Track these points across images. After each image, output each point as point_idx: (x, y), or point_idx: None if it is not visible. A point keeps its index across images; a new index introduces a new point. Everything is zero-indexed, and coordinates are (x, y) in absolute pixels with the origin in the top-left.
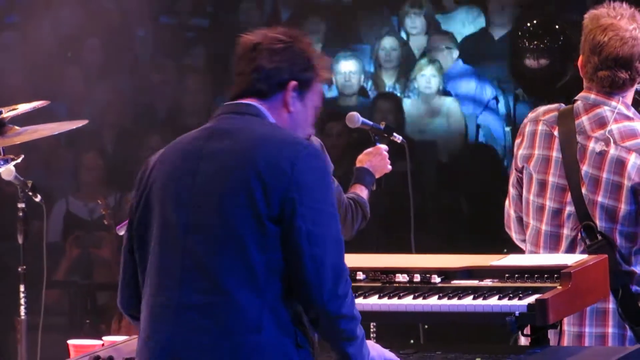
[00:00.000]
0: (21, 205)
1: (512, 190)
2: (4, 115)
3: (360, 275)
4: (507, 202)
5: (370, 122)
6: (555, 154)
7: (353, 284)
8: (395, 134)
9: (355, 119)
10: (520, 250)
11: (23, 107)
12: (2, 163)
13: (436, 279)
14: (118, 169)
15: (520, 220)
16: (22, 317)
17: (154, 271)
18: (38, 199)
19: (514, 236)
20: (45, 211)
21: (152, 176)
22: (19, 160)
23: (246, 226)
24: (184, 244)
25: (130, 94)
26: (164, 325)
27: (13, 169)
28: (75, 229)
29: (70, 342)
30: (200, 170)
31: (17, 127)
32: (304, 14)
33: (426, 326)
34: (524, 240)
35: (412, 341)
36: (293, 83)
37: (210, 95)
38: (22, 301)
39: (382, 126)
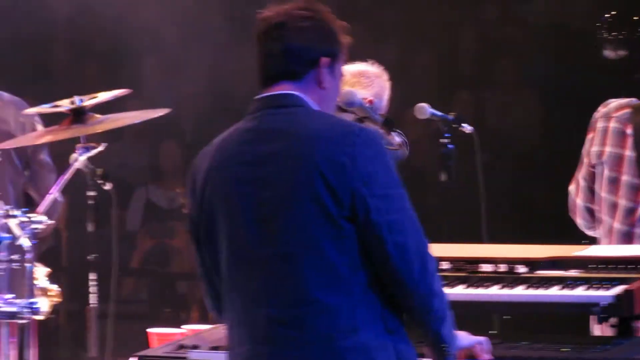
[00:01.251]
0: (91, 193)
1: (582, 182)
2: (85, 103)
3: (445, 265)
4: (572, 188)
5: (440, 113)
6: (629, 152)
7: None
8: (464, 124)
9: (425, 110)
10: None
11: (104, 96)
12: (83, 151)
13: (521, 269)
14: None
15: (588, 210)
16: (92, 306)
17: (236, 289)
18: (108, 187)
19: (580, 222)
20: (115, 199)
21: (208, 185)
22: (100, 148)
23: (320, 231)
24: (262, 259)
25: (208, 82)
26: (261, 345)
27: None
28: (154, 218)
29: (151, 330)
30: (258, 179)
31: (98, 115)
32: (382, 4)
33: (503, 317)
34: (589, 228)
35: (491, 332)
36: (325, 59)
37: None
38: (92, 289)
39: (451, 117)
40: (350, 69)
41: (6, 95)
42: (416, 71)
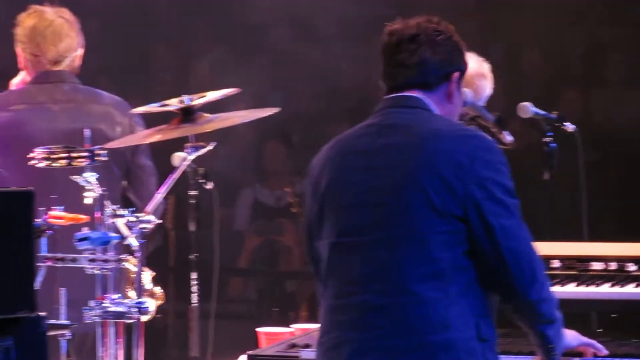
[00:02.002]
0: (192, 192)
1: None
2: (194, 102)
3: (555, 264)
4: None
5: (542, 112)
6: None
7: (549, 272)
8: (566, 123)
9: (527, 108)
10: None
11: (212, 95)
12: (192, 150)
13: (631, 267)
14: (306, 157)
15: None
16: (194, 305)
17: (334, 274)
18: (209, 186)
19: None
20: (218, 198)
21: (320, 175)
22: (210, 148)
23: (428, 224)
24: (364, 244)
25: (316, 81)
26: (349, 331)
27: (184, 155)
28: (262, 217)
29: (260, 329)
30: (372, 167)
31: (207, 115)
32: (489, 2)
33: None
34: None
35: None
36: (456, 74)
37: None
38: (194, 289)
39: (554, 115)
40: None
41: (106, 96)
42: (523, 69)
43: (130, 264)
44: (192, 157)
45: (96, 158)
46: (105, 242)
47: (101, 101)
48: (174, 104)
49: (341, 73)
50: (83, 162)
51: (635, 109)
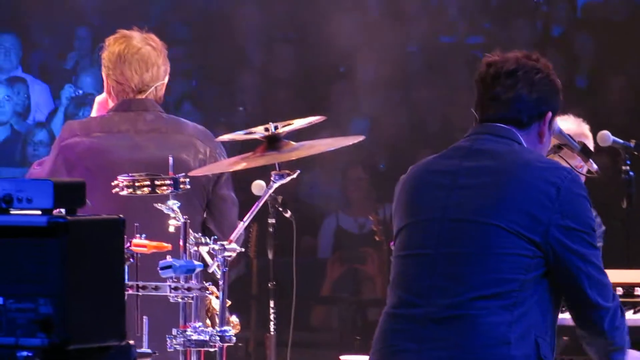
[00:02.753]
0: (271, 220)
1: None
2: (280, 130)
3: (619, 291)
4: None
5: (621, 141)
6: None
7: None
8: None
9: (607, 137)
10: None
11: (299, 123)
12: (277, 178)
13: None
14: (389, 184)
15: None
16: (272, 333)
17: (401, 284)
18: (288, 214)
19: None
20: (295, 227)
21: (404, 193)
22: (294, 176)
23: (504, 244)
24: (434, 257)
25: (401, 109)
26: (407, 342)
27: (263, 184)
28: (345, 245)
29: (343, 357)
30: (457, 186)
31: (292, 142)
32: (573, 31)
33: None
34: None
35: None
36: (549, 115)
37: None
38: (272, 317)
39: (632, 144)
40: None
41: (190, 125)
42: (608, 96)
43: (214, 292)
44: (278, 184)
45: (180, 186)
46: (189, 271)
47: (185, 131)
48: (259, 131)
49: (426, 101)
50: (167, 190)
51: None
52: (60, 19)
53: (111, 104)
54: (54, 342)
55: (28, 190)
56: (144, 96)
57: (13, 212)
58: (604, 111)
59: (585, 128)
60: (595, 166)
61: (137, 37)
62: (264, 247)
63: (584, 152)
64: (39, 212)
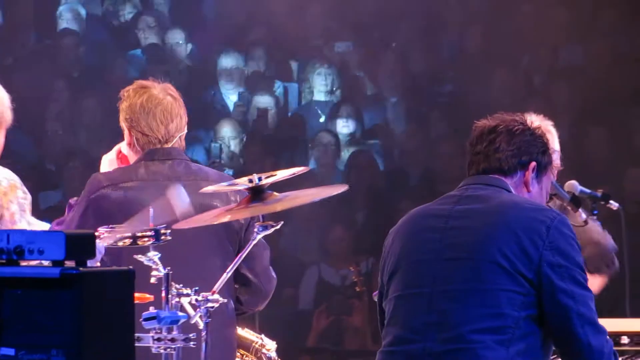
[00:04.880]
0: None
1: None
2: (263, 182)
3: (624, 340)
4: None
5: (588, 190)
6: None
7: (617, 348)
8: (611, 201)
9: (574, 186)
10: None
11: (282, 174)
12: (261, 229)
13: None
14: (370, 235)
15: None
16: None
17: (394, 322)
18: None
19: None
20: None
21: (395, 240)
22: (277, 227)
23: (498, 280)
24: (430, 295)
25: (382, 159)
26: None
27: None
28: (327, 296)
29: None
30: (449, 227)
31: (276, 194)
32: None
33: None
34: None
35: None
36: (533, 164)
37: (461, 161)
38: None
39: (599, 194)
40: None
41: (212, 173)
42: (587, 147)
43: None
44: (261, 236)
45: (162, 238)
46: (174, 322)
47: (210, 177)
48: (243, 183)
49: (404, 153)
50: (148, 242)
51: None
52: None
53: (131, 155)
54: None
55: (39, 242)
56: (169, 145)
57: (23, 263)
58: (584, 161)
59: (548, 124)
60: (582, 216)
61: (157, 87)
62: None
63: (573, 202)
64: (50, 264)
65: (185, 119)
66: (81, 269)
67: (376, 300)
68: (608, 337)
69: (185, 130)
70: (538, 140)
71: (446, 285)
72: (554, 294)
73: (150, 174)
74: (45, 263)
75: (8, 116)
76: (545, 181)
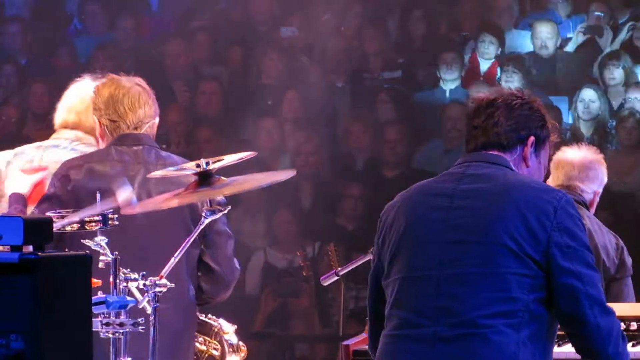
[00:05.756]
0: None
1: None
2: (211, 166)
3: (633, 326)
4: None
5: None
6: None
7: (628, 333)
8: None
9: None
10: None
11: (229, 158)
12: (209, 214)
13: None
14: (316, 220)
15: None
16: None
17: (401, 306)
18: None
19: None
20: None
21: (397, 217)
22: (225, 211)
23: (506, 264)
24: (438, 278)
25: (328, 145)
26: None
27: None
28: (273, 281)
29: None
30: (454, 207)
31: (224, 178)
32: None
33: None
34: None
35: None
36: (532, 138)
37: (407, 147)
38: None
39: None
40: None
41: (180, 160)
42: None
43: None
44: (209, 220)
45: (109, 222)
46: (122, 306)
47: (176, 164)
48: (191, 167)
49: (352, 138)
50: (95, 227)
51: None
52: None
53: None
54: None
55: None
56: (139, 132)
57: None
58: None
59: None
60: None
61: (125, 79)
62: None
63: None
64: (8, 249)
65: (154, 108)
66: (40, 253)
67: (326, 284)
68: (616, 318)
69: (157, 120)
70: (536, 114)
71: (454, 269)
72: (562, 275)
73: (118, 157)
74: (1, 248)
75: None
76: (543, 155)
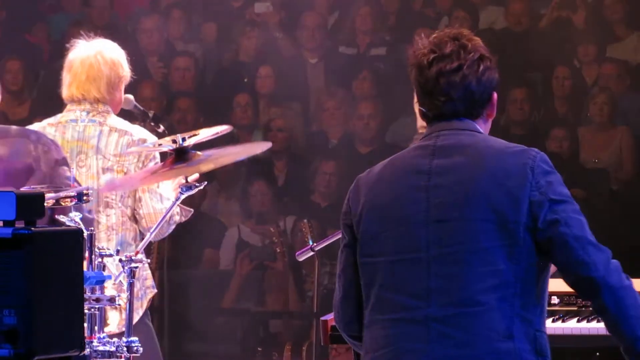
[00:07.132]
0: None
1: None
2: (187, 142)
3: (554, 300)
4: None
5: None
6: None
7: (548, 309)
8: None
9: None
10: None
11: (205, 133)
12: (185, 190)
13: None
14: (290, 196)
15: None
16: None
17: (392, 289)
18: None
19: None
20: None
21: (372, 194)
22: (201, 187)
23: (494, 237)
24: (428, 260)
25: (301, 120)
26: (411, 343)
27: (131, 97)
28: (247, 257)
29: None
30: (433, 186)
31: (200, 153)
32: None
33: (597, 353)
34: None
35: None
36: (495, 95)
37: (381, 122)
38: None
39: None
40: None
41: (13, 129)
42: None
43: (122, 302)
44: (185, 195)
45: (84, 198)
46: (99, 282)
47: (9, 134)
48: (167, 143)
49: (326, 113)
50: (70, 203)
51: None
52: None
53: None
54: (20, 352)
55: None
56: None
57: None
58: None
59: None
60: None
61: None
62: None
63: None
64: (1, 224)
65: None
66: (32, 228)
67: (301, 259)
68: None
69: None
70: (492, 67)
71: (442, 249)
72: (549, 228)
73: None
74: None
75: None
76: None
